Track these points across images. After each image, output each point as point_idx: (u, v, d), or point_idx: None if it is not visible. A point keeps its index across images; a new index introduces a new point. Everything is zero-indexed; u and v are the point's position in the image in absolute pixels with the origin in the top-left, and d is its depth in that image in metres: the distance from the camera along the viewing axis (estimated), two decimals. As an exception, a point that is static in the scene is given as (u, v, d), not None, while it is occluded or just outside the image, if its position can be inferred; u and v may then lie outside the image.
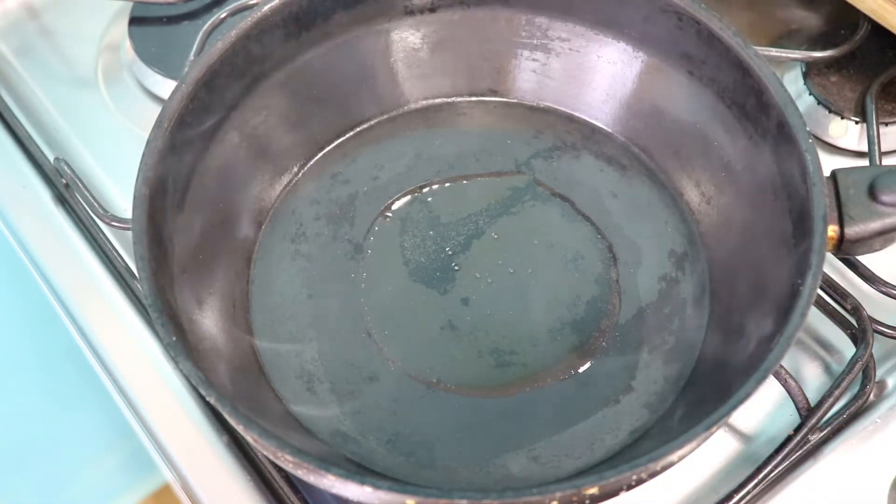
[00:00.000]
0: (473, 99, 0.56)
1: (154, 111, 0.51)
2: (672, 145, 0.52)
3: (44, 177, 0.57)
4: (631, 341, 0.48)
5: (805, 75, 0.59)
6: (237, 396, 0.42)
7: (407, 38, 0.54)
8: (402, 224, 0.52)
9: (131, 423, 0.49)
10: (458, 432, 0.45)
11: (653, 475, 0.38)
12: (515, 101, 0.56)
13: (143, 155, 0.44)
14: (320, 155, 0.54)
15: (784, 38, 0.63)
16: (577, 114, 0.55)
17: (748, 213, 0.48)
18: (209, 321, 0.46)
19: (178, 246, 0.45)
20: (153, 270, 0.41)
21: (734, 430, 0.48)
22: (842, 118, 0.57)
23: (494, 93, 0.56)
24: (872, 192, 0.42)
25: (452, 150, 0.54)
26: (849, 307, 0.49)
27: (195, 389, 0.45)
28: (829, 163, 0.56)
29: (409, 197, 0.53)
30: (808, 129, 0.43)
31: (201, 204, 0.47)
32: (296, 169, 0.53)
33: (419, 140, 0.55)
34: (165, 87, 0.60)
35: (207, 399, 0.38)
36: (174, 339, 0.39)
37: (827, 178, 0.43)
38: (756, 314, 0.44)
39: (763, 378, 0.37)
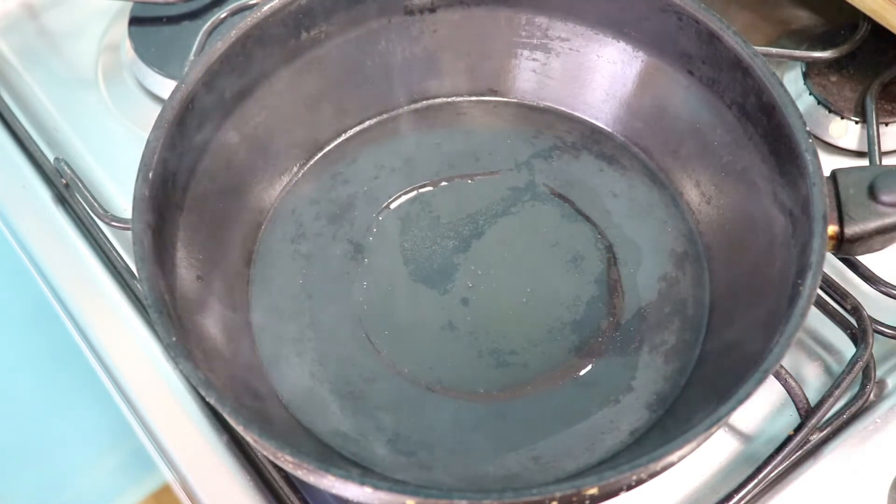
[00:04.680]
0: (473, 99, 0.56)
1: (154, 111, 0.51)
2: (672, 145, 0.52)
3: (44, 177, 0.57)
4: (631, 341, 0.48)
5: (805, 75, 0.59)
6: (237, 397, 0.42)
7: (407, 37, 0.54)
8: (402, 224, 0.52)
9: (131, 423, 0.49)
10: (457, 432, 0.45)
11: (653, 475, 0.38)
12: (515, 100, 0.56)
13: (143, 155, 0.44)
14: (320, 155, 0.54)
15: (784, 38, 0.63)
16: (577, 113, 0.55)
17: (748, 212, 0.48)
18: (209, 321, 0.46)
19: (178, 246, 0.46)
20: (153, 270, 0.41)
21: (734, 430, 0.48)
22: (842, 118, 0.57)
23: (494, 93, 0.56)
24: (872, 192, 0.42)
25: (452, 149, 0.54)
26: (849, 307, 0.49)
27: (195, 389, 0.45)
28: (829, 163, 0.56)
29: (409, 196, 0.53)
30: (808, 129, 0.43)
31: (201, 204, 0.47)
32: (296, 169, 0.54)
33: (419, 140, 0.55)
34: (165, 87, 0.60)
35: (207, 399, 0.38)
36: (174, 339, 0.39)
37: (827, 178, 0.43)
38: (756, 314, 0.44)
39: (763, 378, 0.37)
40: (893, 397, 0.48)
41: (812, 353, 0.50)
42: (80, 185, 0.55)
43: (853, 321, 0.49)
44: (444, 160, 0.54)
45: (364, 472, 0.43)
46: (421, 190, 0.53)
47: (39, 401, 0.59)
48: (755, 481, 0.44)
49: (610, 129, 0.54)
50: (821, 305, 0.49)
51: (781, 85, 0.45)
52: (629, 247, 0.51)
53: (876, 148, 0.54)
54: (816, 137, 0.57)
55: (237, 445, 0.47)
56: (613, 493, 0.38)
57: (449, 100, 0.56)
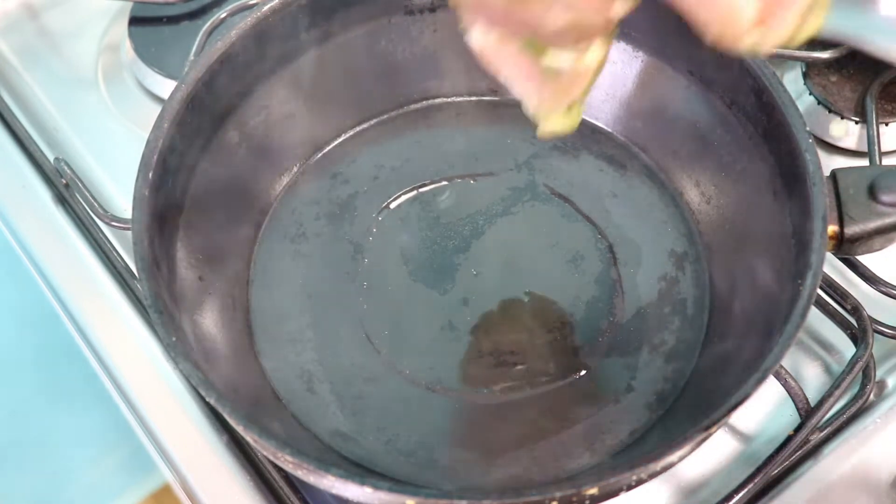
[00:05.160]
0: (473, 99, 0.56)
1: (154, 111, 0.51)
2: (672, 145, 0.52)
3: (44, 177, 0.57)
4: (631, 341, 0.47)
5: (805, 75, 0.59)
6: (237, 397, 0.42)
7: (407, 37, 0.54)
8: (402, 224, 0.52)
9: (131, 423, 0.49)
10: (457, 432, 0.45)
11: (653, 475, 0.38)
12: (515, 100, 0.56)
13: (143, 155, 0.44)
14: (320, 155, 0.54)
15: (784, 38, 0.62)
16: (576, 114, 0.55)
17: (748, 213, 0.48)
18: (209, 321, 0.46)
19: (178, 246, 0.46)
20: (153, 270, 0.41)
21: (734, 430, 0.48)
22: (842, 118, 0.57)
23: (494, 93, 0.56)
24: (872, 192, 0.42)
25: (452, 149, 0.54)
26: (849, 307, 0.49)
27: (195, 389, 0.45)
28: (829, 163, 0.56)
29: (408, 197, 0.53)
30: (808, 129, 0.43)
31: (201, 204, 0.47)
32: (296, 169, 0.53)
33: (419, 140, 0.55)
34: (165, 87, 0.60)
35: (207, 399, 0.38)
36: (174, 339, 0.39)
37: (827, 178, 0.43)
38: (756, 314, 0.44)
39: (763, 378, 0.37)
40: (893, 397, 0.48)
41: (812, 353, 0.50)
42: (80, 185, 0.55)
43: (853, 321, 0.48)
44: (444, 160, 0.54)
45: (364, 472, 0.43)
46: (421, 190, 0.53)
47: (39, 401, 0.59)
48: (755, 481, 0.44)
49: (610, 129, 0.54)
50: (821, 305, 0.49)
51: (781, 85, 0.45)
52: (629, 247, 0.51)
53: (876, 148, 0.54)
54: (816, 137, 0.57)
55: (237, 445, 0.47)
56: (613, 493, 0.38)
57: (449, 100, 0.56)
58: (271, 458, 0.40)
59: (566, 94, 0.39)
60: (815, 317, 0.50)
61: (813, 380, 0.49)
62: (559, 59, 0.37)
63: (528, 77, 0.38)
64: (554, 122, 0.40)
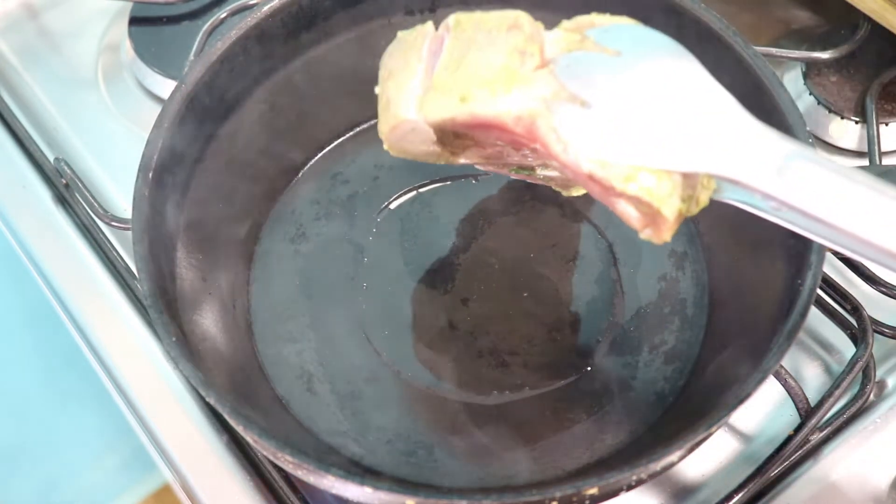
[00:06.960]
0: (473, 99, 0.56)
1: (154, 111, 0.51)
2: (672, 145, 0.52)
3: (44, 177, 0.57)
4: (631, 341, 0.48)
5: (805, 75, 0.59)
6: (237, 396, 0.42)
7: (407, 38, 0.54)
8: (402, 224, 0.52)
9: (131, 423, 0.49)
10: (457, 432, 0.45)
11: (653, 475, 0.38)
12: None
13: (143, 155, 0.44)
14: (320, 155, 0.54)
15: (784, 38, 0.63)
16: (577, 114, 0.55)
17: (748, 212, 0.48)
18: (209, 321, 0.46)
19: (178, 246, 0.46)
20: (153, 270, 0.41)
21: (734, 430, 0.48)
22: (842, 118, 0.57)
23: (494, 93, 0.56)
24: (872, 192, 0.42)
25: (452, 150, 0.54)
26: (849, 307, 0.49)
27: (195, 389, 0.45)
28: (829, 163, 0.56)
29: (409, 197, 0.53)
30: (808, 129, 0.43)
31: (201, 204, 0.47)
32: (296, 169, 0.54)
33: (419, 140, 0.55)
34: (165, 87, 0.60)
35: (207, 399, 0.38)
36: (174, 339, 0.39)
37: (827, 177, 0.43)
38: (756, 314, 0.44)
39: (763, 378, 0.37)
40: (893, 397, 0.48)
41: (812, 353, 0.50)
42: (80, 185, 0.55)
43: (853, 321, 0.48)
44: (444, 160, 0.54)
45: (364, 472, 0.43)
46: (421, 190, 0.53)
47: (39, 401, 0.59)
48: (755, 481, 0.44)
49: (610, 129, 0.54)
50: (821, 305, 0.49)
51: (781, 85, 0.45)
52: (629, 247, 0.51)
53: (876, 148, 0.54)
54: (816, 137, 0.57)
55: (237, 445, 0.47)
56: (613, 493, 0.38)
57: (449, 100, 0.56)
58: (271, 458, 0.40)
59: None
60: (815, 317, 0.50)
61: (813, 380, 0.49)
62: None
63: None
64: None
